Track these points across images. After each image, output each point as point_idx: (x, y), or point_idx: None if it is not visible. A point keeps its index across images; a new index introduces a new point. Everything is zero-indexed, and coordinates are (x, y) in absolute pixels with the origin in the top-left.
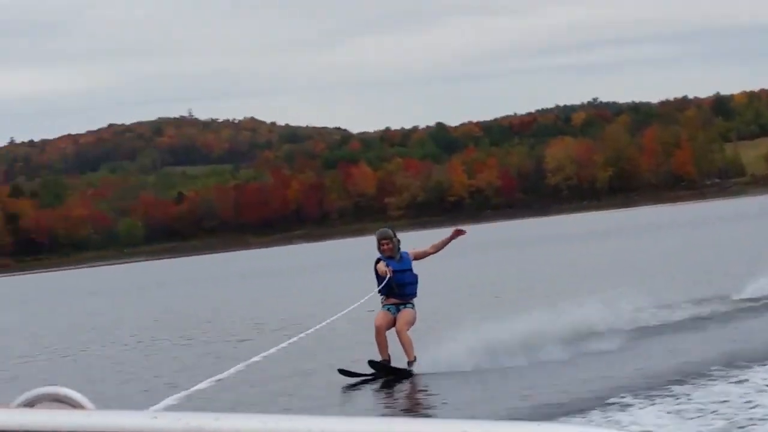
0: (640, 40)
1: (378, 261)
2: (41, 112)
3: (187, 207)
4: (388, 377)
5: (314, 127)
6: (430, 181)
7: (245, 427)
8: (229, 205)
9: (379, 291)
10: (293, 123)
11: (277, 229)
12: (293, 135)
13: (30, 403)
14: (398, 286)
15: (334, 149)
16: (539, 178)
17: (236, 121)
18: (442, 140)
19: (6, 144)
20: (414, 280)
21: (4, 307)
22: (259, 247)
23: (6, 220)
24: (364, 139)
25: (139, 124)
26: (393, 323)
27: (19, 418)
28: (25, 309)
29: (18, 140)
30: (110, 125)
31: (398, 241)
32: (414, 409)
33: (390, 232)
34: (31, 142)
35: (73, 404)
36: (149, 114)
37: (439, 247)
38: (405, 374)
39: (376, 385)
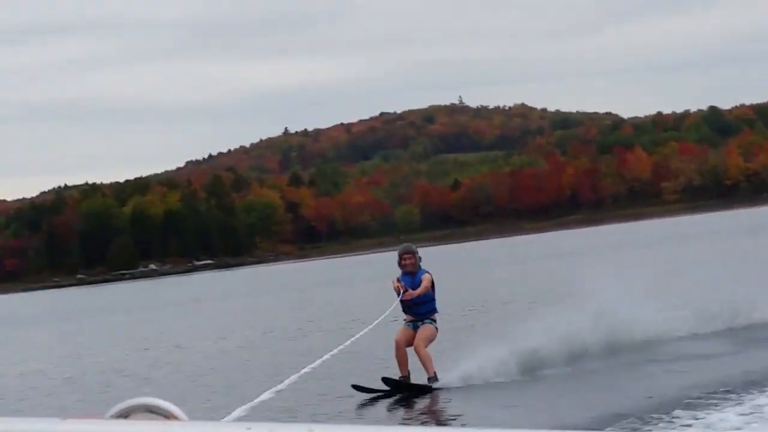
0: None
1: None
2: (314, 102)
3: (463, 194)
4: (406, 393)
5: (584, 113)
6: (706, 165)
7: None
8: (504, 191)
9: (402, 309)
10: (563, 109)
11: (551, 215)
12: (564, 121)
13: (124, 414)
14: (413, 305)
15: (607, 134)
16: None
17: (507, 108)
18: (715, 123)
19: (281, 133)
20: (426, 299)
21: (228, 297)
22: (535, 233)
23: (286, 208)
24: (636, 124)
25: (410, 112)
26: (413, 340)
27: (112, 429)
28: (249, 299)
29: (292, 130)
30: (382, 114)
31: (420, 258)
32: (447, 422)
33: (413, 247)
34: (305, 131)
35: (167, 415)
36: (420, 102)
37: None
38: (424, 390)
39: (408, 399)
